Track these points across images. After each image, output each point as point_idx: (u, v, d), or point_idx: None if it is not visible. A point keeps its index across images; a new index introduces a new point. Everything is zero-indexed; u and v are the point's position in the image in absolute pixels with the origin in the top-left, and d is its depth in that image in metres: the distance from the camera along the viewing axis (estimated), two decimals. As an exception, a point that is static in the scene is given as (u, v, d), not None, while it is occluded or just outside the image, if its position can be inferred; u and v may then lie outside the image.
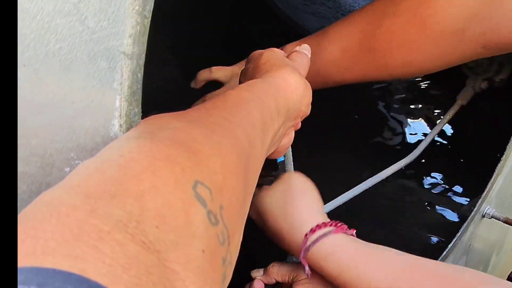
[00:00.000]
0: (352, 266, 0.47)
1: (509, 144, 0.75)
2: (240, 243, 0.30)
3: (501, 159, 0.75)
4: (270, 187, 0.54)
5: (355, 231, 0.51)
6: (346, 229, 0.50)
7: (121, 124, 0.30)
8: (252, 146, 0.33)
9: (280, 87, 0.42)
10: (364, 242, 0.50)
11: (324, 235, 0.48)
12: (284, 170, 0.59)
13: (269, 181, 0.60)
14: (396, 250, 0.49)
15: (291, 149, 0.58)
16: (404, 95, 1.27)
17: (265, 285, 0.57)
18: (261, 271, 0.57)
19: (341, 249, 0.48)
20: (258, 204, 0.54)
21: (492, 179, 0.76)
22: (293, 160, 0.60)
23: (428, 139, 0.85)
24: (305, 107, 0.46)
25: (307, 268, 0.50)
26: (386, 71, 0.65)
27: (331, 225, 0.49)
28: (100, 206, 0.20)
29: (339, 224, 0.50)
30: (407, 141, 0.93)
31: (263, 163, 0.38)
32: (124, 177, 0.21)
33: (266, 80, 0.43)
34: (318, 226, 0.49)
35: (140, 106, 0.32)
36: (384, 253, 0.49)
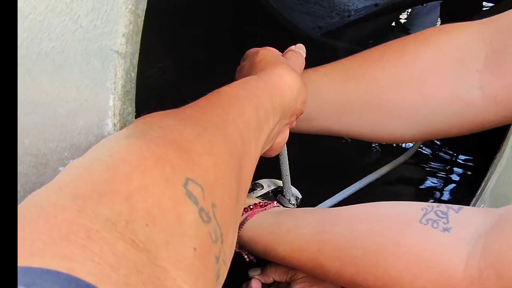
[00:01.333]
0: (270, 237, 0.50)
1: (503, 143, 0.75)
2: (235, 242, 0.30)
3: (495, 158, 0.75)
4: None
5: (275, 202, 0.54)
6: (263, 207, 0.53)
7: (114, 123, 0.30)
8: (245, 144, 0.33)
9: (276, 85, 0.42)
10: (281, 212, 0.53)
11: (241, 225, 0.51)
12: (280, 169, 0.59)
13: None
14: (313, 209, 0.53)
15: (286, 148, 0.58)
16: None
17: (262, 284, 0.57)
18: (258, 270, 0.57)
19: (259, 229, 0.51)
20: None
21: (486, 178, 0.76)
22: (288, 159, 0.60)
23: (422, 138, 0.86)
24: (300, 105, 0.46)
25: (245, 256, 0.55)
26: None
27: (246, 210, 0.52)
28: (88, 206, 0.19)
29: (254, 206, 0.53)
30: (401, 140, 0.93)
31: (257, 161, 0.38)
32: (113, 177, 0.21)
33: (261, 77, 0.42)
34: None
35: (134, 105, 0.32)
36: (298, 213, 0.51)
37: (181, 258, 0.21)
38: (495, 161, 0.76)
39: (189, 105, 0.33)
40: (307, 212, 0.51)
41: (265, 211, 0.53)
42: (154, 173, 0.22)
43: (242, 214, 0.52)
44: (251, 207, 0.53)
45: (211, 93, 0.35)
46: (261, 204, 0.54)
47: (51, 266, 0.16)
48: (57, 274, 0.16)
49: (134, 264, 0.18)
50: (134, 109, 0.32)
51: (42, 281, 0.16)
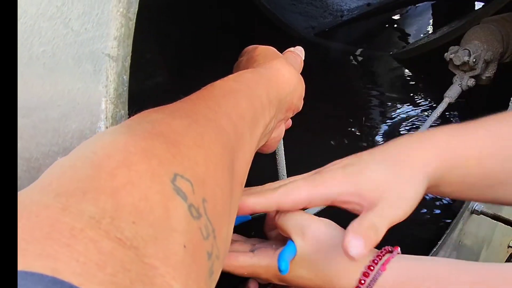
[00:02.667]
0: None
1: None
2: (230, 236, 0.29)
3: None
4: (296, 257, 0.44)
5: (398, 248, 0.44)
6: (390, 253, 0.43)
7: (107, 127, 0.30)
8: (239, 137, 0.32)
9: (273, 78, 0.42)
10: (417, 260, 0.43)
11: (374, 280, 0.41)
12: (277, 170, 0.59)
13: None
14: (454, 261, 0.42)
15: (283, 148, 0.58)
16: (393, 94, 1.27)
17: (259, 284, 0.56)
18: None
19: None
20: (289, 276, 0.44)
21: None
22: (286, 162, 0.59)
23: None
24: (297, 100, 0.46)
25: None
26: None
27: (375, 262, 0.42)
28: (72, 203, 0.19)
29: (383, 255, 0.43)
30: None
31: (253, 155, 0.37)
32: (97, 174, 0.21)
33: (258, 70, 0.42)
34: (365, 275, 0.41)
35: (126, 108, 0.31)
36: (446, 267, 0.41)
37: (170, 254, 0.20)
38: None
39: (180, 100, 0.31)
40: (451, 266, 0.41)
41: (392, 259, 0.42)
42: (140, 167, 0.22)
43: (371, 266, 0.42)
44: (378, 255, 0.42)
45: (204, 87, 0.34)
46: (387, 249, 0.44)
47: (35, 267, 0.16)
48: (41, 276, 0.16)
49: (121, 262, 0.18)
50: (127, 112, 0.31)
51: (26, 282, 0.15)
